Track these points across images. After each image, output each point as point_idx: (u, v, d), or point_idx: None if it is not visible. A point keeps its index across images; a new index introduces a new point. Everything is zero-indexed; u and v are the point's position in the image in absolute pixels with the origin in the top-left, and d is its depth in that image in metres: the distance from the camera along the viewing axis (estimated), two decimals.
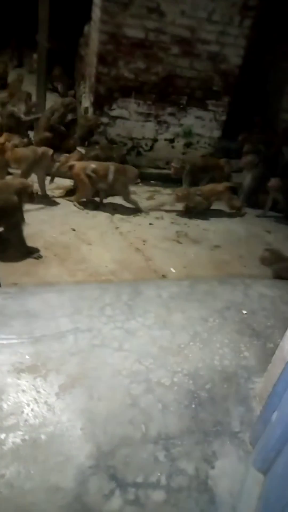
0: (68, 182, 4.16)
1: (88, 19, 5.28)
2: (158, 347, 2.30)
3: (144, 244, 3.57)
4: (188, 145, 5.45)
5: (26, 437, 1.68)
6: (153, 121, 5.18)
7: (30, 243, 3.10)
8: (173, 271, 3.23)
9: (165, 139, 5.35)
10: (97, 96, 4.90)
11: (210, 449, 1.79)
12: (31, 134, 4.99)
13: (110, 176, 3.97)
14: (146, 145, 5.32)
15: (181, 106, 5.16)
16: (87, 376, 2.02)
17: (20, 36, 7.79)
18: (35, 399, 1.85)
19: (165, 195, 4.71)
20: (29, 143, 4.41)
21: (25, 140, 4.41)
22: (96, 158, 4.37)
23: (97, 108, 4.97)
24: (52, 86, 6.85)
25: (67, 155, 4.51)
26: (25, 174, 3.85)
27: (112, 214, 4.04)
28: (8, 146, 3.95)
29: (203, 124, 5.34)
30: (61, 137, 4.93)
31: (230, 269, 3.45)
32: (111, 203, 4.24)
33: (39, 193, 3.96)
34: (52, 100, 5.96)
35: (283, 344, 1.87)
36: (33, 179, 3.93)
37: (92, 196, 4.14)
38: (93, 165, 4.03)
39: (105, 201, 4.22)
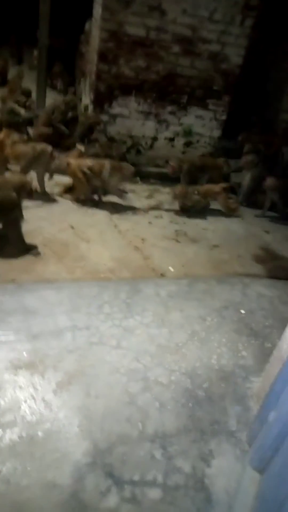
0: (67, 179, 4.15)
1: (89, 16, 5.26)
2: (156, 346, 2.30)
3: (143, 243, 3.56)
4: (188, 144, 5.45)
5: (23, 433, 1.68)
6: (153, 119, 5.17)
7: (28, 240, 3.09)
8: (172, 270, 3.23)
9: (165, 138, 5.34)
10: (97, 94, 4.89)
11: (207, 447, 1.80)
12: (31, 131, 4.97)
13: (106, 173, 3.96)
14: (146, 143, 5.31)
15: (182, 105, 5.15)
16: (85, 373, 2.02)
17: (20, 33, 7.77)
18: (32, 396, 1.85)
19: (165, 194, 4.71)
20: (29, 140, 4.40)
21: (25, 136, 4.39)
22: (96, 156, 4.36)
23: (97, 106, 4.96)
24: (51, 83, 6.82)
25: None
26: (24, 171, 3.84)
27: (111, 212, 4.04)
28: (7, 142, 3.94)
29: (203, 124, 5.34)
30: (60, 135, 4.92)
31: (228, 269, 3.45)
32: (111, 201, 4.23)
33: (38, 190, 3.95)
34: (51, 97, 5.95)
35: (281, 344, 1.87)
36: (32, 175, 3.91)
37: (91, 193, 4.13)
38: (88, 162, 4.02)
39: (104, 199, 4.21)
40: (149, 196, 4.69)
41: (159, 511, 1.54)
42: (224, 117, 5.34)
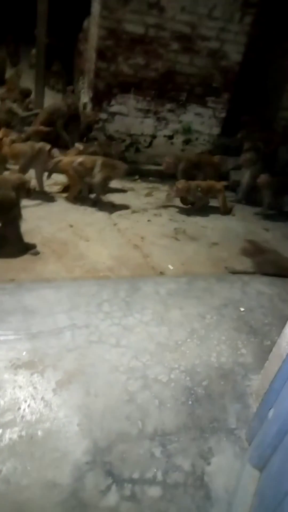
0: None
1: (87, 14, 5.24)
2: (155, 344, 2.30)
3: (142, 241, 3.56)
4: (187, 142, 5.44)
5: (23, 433, 1.69)
6: (152, 117, 5.16)
7: (27, 239, 3.09)
8: (171, 268, 3.23)
9: (164, 136, 5.33)
10: (96, 92, 4.88)
11: (206, 445, 1.80)
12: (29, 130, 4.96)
13: (97, 170, 3.94)
14: (145, 141, 5.30)
15: (181, 102, 5.14)
16: (84, 372, 2.02)
17: (17, 32, 7.74)
18: (32, 395, 1.85)
19: (164, 191, 4.70)
20: (27, 139, 4.38)
21: (23, 135, 4.38)
22: (94, 154, 4.34)
23: (96, 104, 4.94)
24: (49, 81, 6.79)
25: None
26: (23, 170, 3.83)
27: (110, 211, 4.04)
28: (5, 141, 3.93)
29: (202, 121, 5.33)
30: (57, 134, 4.89)
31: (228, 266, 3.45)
32: (109, 200, 4.23)
33: (37, 189, 3.94)
34: (50, 96, 5.94)
35: (280, 341, 1.87)
36: (31, 174, 3.91)
37: (88, 192, 4.12)
38: (80, 158, 4.00)
39: (103, 198, 4.20)
40: (148, 194, 4.69)
41: (159, 509, 1.55)
42: (223, 115, 5.33)
